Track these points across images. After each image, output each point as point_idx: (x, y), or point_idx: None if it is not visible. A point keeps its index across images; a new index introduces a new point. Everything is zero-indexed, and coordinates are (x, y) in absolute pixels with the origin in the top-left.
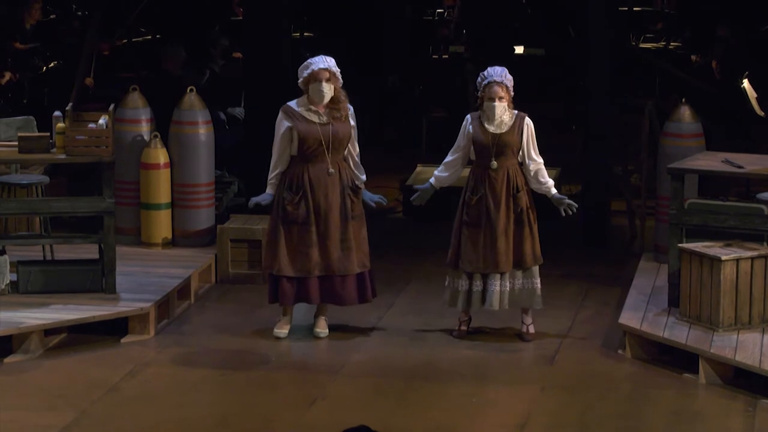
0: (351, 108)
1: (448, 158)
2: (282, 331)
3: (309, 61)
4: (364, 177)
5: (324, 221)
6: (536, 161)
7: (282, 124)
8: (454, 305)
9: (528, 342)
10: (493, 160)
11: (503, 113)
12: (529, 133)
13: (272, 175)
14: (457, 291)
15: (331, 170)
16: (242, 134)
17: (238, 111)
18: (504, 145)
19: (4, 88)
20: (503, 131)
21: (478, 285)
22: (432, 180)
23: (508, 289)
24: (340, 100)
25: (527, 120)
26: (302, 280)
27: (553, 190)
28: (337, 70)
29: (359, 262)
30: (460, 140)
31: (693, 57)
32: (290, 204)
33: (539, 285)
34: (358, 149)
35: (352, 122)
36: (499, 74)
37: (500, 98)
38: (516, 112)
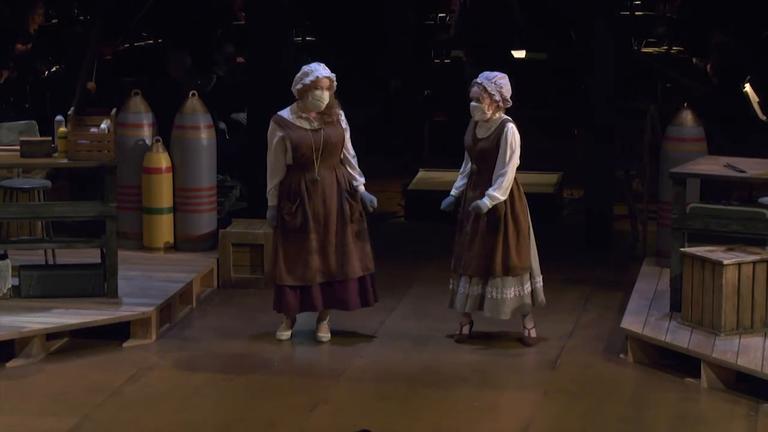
0: (341, 111)
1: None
2: (284, 333)
3: (308, 68)
4: (362, 179)
5: (324, 227)
6: (501, 170)
7: (275, 134)
8: (451, 305)
9: (530, 346)
10: (473, 164)
11: (481, 115)
12: (506, 141)
13: (271, 186)
14: (453, 292)
15: (317, 177)
16: (244, 139)
17: (242, 116)
18: (484, 151)
19: (4, 91)
20: (484, 137)
21: (476, 289)
22: (453, 191)
23: (495, 296)
24: (333, 105)
25: (508, 127)
26: (305, 288)
27: (485, 200)
28: (334, 77)
29: (362, 265)
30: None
31: (694, 60)
32: (288, 213)
33: (510, 296)
34: (353, 151)
35: (344, 125)
36: (485, 77)
37: (477, 99)
38: (503, 118)
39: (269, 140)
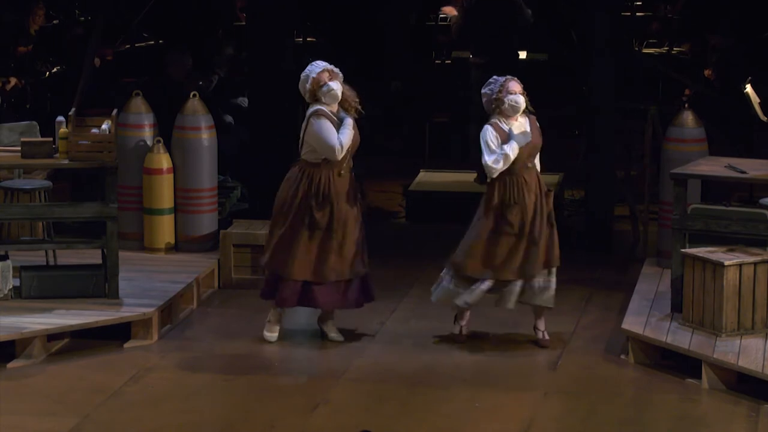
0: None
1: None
2: (274, 333)
3: (303, 74)
4: None
5: (343, 227)
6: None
7: (329, 124)
8: (465, 304)
9: (545, 348)
10: (527, 162)
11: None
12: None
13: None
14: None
15: (343, 172)
16: (245, 139)
17: (241, 99)
18: (533, 147)
19: (8, 94)
20: (532, 133)
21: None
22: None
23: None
24: (348, 96)
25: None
26: (312, 285)
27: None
28: (332, 67)
29: (363, 263)
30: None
31: (707, 72)
32: (318, 211)
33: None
34: None
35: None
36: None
37: (520, 93)
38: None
39: (326, 127)
